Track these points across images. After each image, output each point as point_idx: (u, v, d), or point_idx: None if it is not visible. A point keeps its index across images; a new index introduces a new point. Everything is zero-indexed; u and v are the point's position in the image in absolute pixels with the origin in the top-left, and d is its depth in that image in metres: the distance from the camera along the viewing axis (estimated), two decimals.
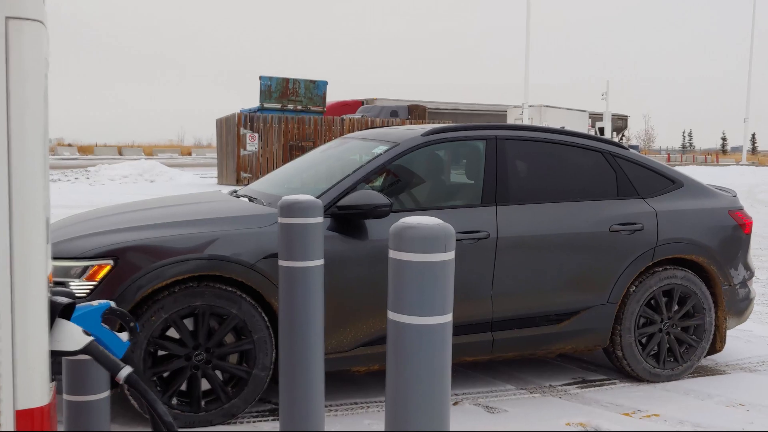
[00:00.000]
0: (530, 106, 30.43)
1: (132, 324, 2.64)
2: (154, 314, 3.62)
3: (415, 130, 4.47)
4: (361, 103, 33.53)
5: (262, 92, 19.60)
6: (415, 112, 26.14)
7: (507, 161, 4.42)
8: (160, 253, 3.65)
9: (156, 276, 3.60)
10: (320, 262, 2.98)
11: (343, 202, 3.92)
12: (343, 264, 3.89)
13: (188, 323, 3.73)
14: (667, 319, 4.66)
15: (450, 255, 1.99)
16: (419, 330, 1.97)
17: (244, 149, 17.87)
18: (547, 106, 32.68)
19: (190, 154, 74.56)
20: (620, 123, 49.94)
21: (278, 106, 19.67)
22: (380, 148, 4.30)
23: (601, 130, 33.24)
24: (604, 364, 4.97)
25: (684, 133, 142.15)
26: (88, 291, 3.55)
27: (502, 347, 4.30)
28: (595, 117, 39.51)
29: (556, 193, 4.49)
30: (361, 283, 3.91)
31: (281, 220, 2.94)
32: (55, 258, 3.66)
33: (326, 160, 4.85)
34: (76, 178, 21.44)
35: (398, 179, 4.44)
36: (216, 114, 19.58)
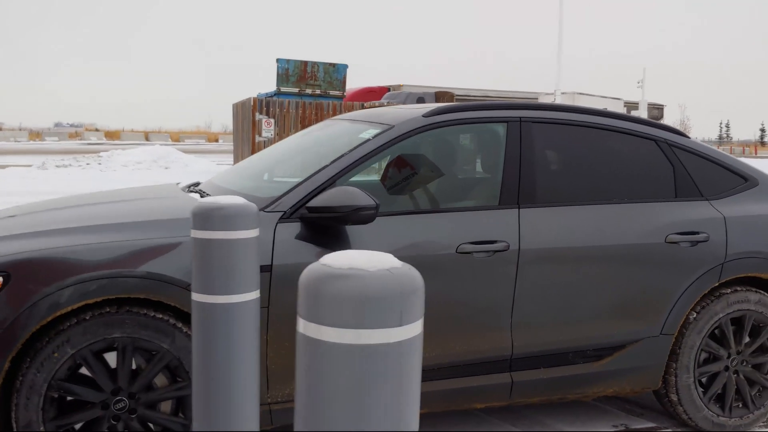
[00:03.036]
0: (563, 93, 29.12)
1: None
2: (56, 349, 2.71)
3: (416, 109, 3.49)
4: (387, 89, 32.51)
5: (279, 76, 18.65)
6: (443, 99, 25.07)
7: (534, 150, 3.42)
8: (66, 269, 2.73)
9: (58, 299, 2.69)
10: (254, 295, 2.03)
11: (314, 202, 2.97)
12: None
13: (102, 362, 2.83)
14: (735, 355, 3.64)
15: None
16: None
17: (260, 135, 16.98)
18: (580, 93, 31.29)
19: (216, 140, 74.29)
20: (656, 112, 48.25)
21: (296, 90, 18.70)
22: (369, 132, 3.34)
23: None
24: (653, 406, 3.98)
25: (721, 123, 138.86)
26: None
27: (524, 391, 3.33)
28: (630, 105, 38.01)
29: (597, 193, 3.49)
30: None
31: (194, 233, 1.99)
32: None
33: (307, 147, 3.89)
34: (87, 164, 20.67)
35: (392, 172, 3.47)
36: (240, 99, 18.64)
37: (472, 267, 3.14)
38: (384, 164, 3.67)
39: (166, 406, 2.91)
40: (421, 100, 25.23)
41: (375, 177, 3.98)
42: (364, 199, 2.88)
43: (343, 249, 2.97)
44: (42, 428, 2.72)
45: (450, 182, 3.62)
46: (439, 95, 25.78)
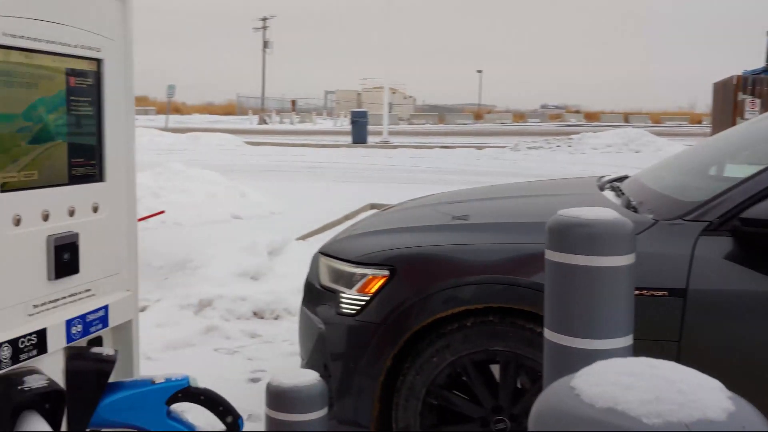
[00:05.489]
0: None
1: (230, 419, 1.64)
2: (435, 354, 2.55)
3: None
4: None
5: None
6: None
7: None
8: (452, 269, 2.54)
9: (439, 301, 2.51)
10: (624, 342, 1.51)
11: (752, 212, 2.24)
12: (749, 317, 2.23)
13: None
14: None
15: None
16: None
17: (741, 118, 15.08)
18: None
19: (699, 122, 69.74)
20: None
21: None
22: None
23: None
24: None
25: None
26: (358, 307, 2.66)
27: None
28: None
29: None
30: None
31: (549, 254, 1.56)
32: (336, 258, 2.86)
33: (748, 142, 3.04)
34: (558, 146, 21.09)
35: None
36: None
37: None
38: None
39: None
40: None
41: None
42: None
43: None
44: None
45: None
46: None
